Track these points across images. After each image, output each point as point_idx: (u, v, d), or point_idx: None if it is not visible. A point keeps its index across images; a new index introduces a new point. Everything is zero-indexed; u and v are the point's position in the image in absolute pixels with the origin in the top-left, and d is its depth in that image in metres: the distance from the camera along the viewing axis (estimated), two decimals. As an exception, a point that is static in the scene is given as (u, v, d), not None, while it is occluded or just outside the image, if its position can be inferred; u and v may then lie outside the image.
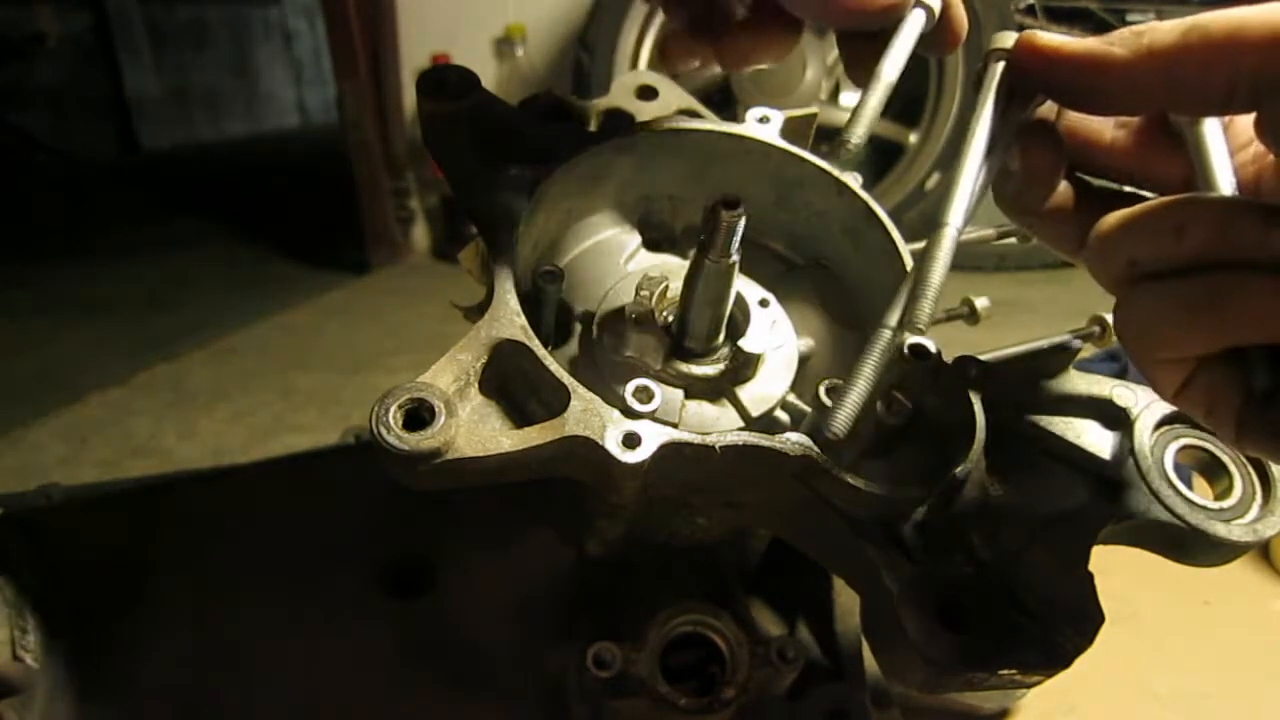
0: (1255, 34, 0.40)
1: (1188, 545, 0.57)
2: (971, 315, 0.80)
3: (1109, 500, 0.56)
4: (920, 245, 0.74)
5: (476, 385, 0.53)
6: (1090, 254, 0.46)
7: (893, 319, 0.48)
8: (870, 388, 0.48)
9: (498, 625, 0.80)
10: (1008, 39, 0.50)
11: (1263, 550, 1.41)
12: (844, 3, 0.51)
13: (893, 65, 0.53)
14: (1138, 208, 0.44)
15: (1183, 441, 0.61)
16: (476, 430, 0.51)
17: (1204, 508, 0.57)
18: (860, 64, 0.56)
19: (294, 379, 2.59)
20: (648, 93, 0.76)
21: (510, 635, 0.80)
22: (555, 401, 0.53)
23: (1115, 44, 0.44)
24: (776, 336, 0.65)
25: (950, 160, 3.12)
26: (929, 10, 0.55)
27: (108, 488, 0.87)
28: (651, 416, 0.52)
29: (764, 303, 0.66)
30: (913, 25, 0.55)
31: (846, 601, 0.79)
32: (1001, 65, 0.50)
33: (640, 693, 0.62)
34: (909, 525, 0.54)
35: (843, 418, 0.48)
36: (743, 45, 0.60)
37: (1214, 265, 0.41)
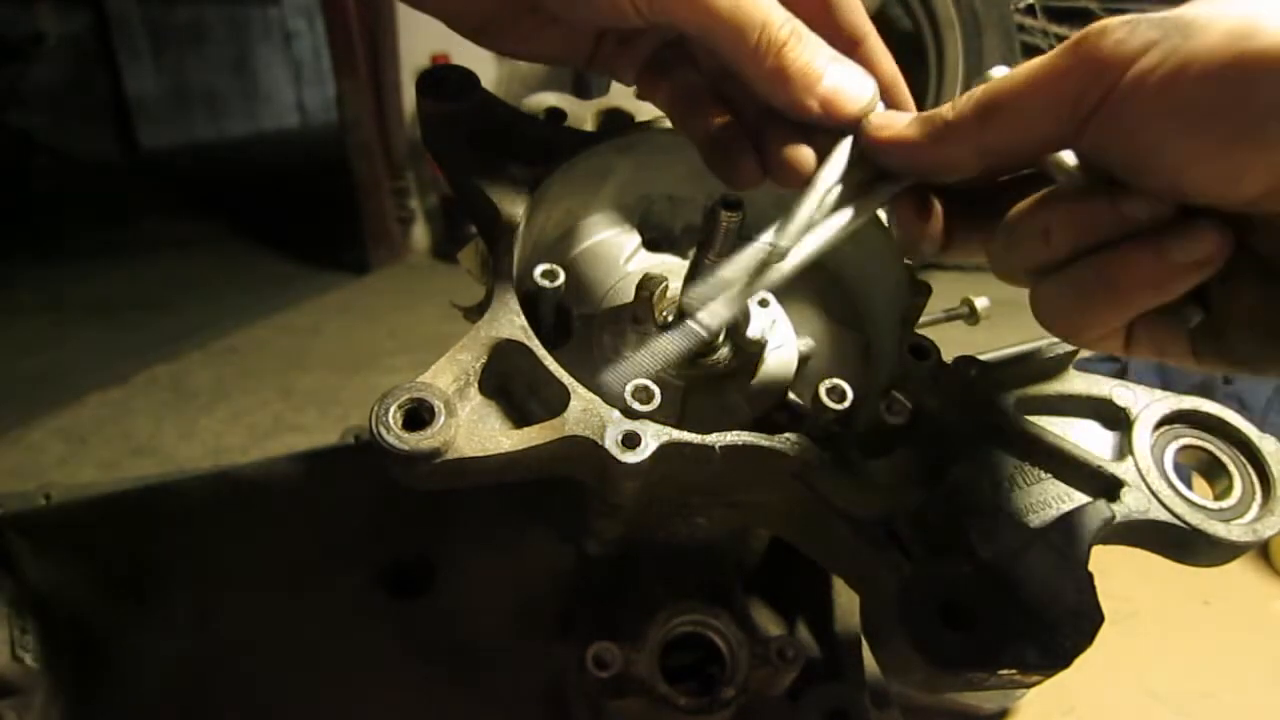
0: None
1: (1188, 545, 0.57)
2: (971, 315, 0.80)
3: (1109, 500, 0.56)
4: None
5: (476, 385, 0.53)
6: (995, 271, 0.50)
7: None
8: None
9: (498, 625, 0.80)
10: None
11: (1263, 550, 1.42)
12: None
13: (834, 170, 0.52)
14: (1004, 224, 0.47)
15: (1183, 441, 0.61)
16: (476, 430, 0.51)
17: (1204, 508, 0.57)
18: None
19: (294, 379, 2.59)
20: (648, 93, 0.76)
21: (510, 635, 0.80)
22: (555, 401, 0.53)
23: (917, 131, 0.49)
24: (776, 336, 0.65)
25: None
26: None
27: (108, 488, 0.87)
28: (651, 416, 0.52)
29: (764, 303, 0.66)
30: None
31: (846, 601, 0.79)
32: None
33: (640, 693, 0.62)
34: (909, 525, 0.54)
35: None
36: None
37: (1091, 249, 0.44)
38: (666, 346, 0.50)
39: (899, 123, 0.50)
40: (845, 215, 0.51)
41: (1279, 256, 0.41)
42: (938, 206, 0.52)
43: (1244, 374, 0.45)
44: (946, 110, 0.47)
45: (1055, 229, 0.44)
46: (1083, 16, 3.30)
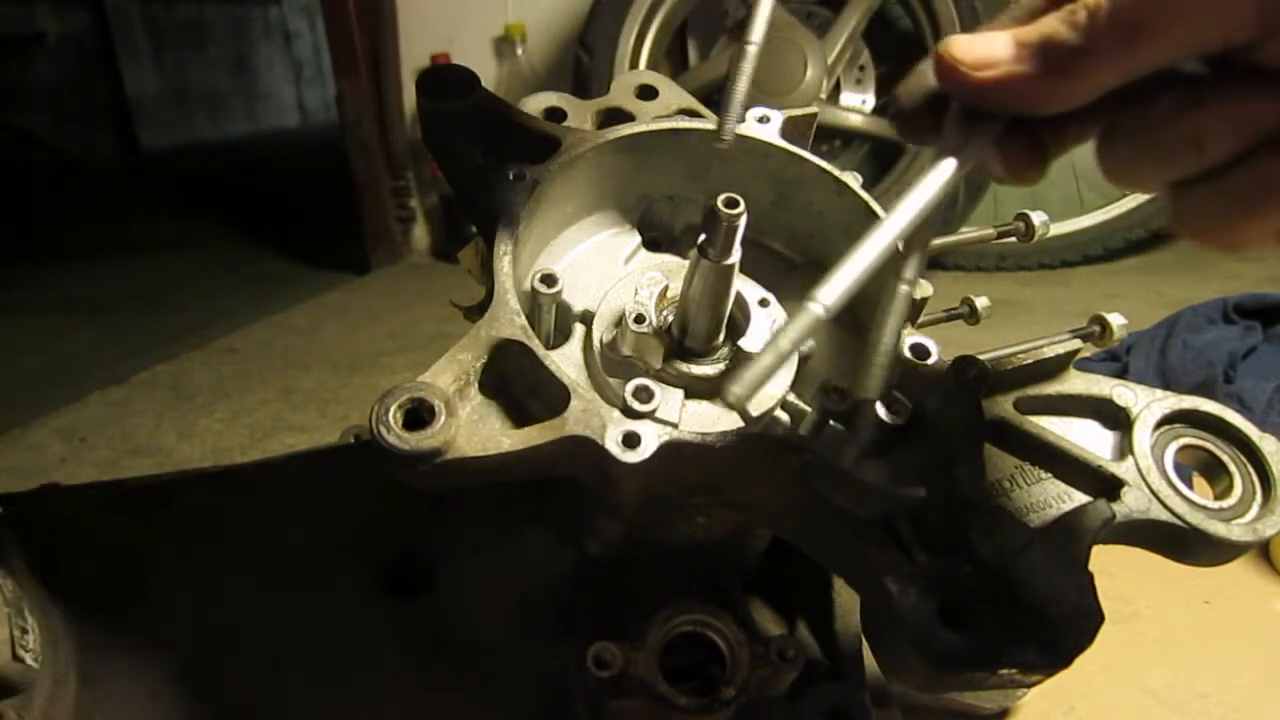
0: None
1: (1188, 545, 0.57)
2: (971, 315, 0.80)
3: (1109, 500, 0.56)
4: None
5: (476, 385, 0.54)
6: (1116, 181, 0.44)
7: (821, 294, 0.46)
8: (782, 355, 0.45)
9: (498, 625, 0.80)
10: None
11: (1263, 550, 1.41)
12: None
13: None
14: (1140, 133, 0.41)
15: (1183, 441, 0.61)
16: (476, 430, 0.51)
17: (1204, 508, 0.57)
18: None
19: (294, 379, 2.58)
20: (648, 92, 0.76)
21: (510, 635, 0.80)
22: (555, 401, 0.53)
23: (1029, 66, 0.41)
24: (776, 336, 0.65)
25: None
26: None
27: (108, 488, 0.87)
28: (651, 416, 0.52)
29: (764, 303, 0.66)
30: None
31: (846, 601, 0.78)
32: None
33: (640, 692, 0.62)
34: (909, 525, 0.54)
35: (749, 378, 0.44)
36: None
37: (1249, 152, 0.38)
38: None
39: (998, 54, 0.42)
40: (947, 168, 0.46)
41: None
42: (1045, 137, 0.45)
43: None
44: (1059, 30, 0.39)
45: (1210, 136, 0.38)
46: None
